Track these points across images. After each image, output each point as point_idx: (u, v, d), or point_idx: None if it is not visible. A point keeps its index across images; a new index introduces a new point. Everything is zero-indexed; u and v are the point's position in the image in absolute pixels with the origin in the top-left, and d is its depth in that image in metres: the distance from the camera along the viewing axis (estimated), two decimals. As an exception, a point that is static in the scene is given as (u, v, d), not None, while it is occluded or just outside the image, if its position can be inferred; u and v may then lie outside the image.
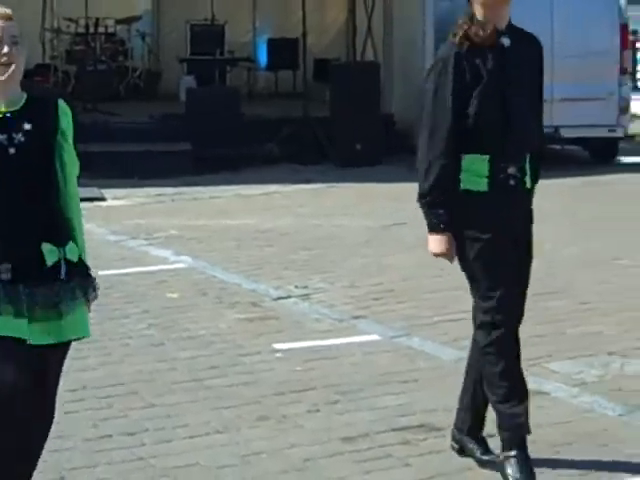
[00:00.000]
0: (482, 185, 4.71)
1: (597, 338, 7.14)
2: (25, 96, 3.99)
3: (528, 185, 4.94)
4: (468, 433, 5.03)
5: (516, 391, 4.77)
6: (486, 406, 4.97)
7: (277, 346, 6.98)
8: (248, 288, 8.62)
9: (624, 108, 16.33)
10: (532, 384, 6.08)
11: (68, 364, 6.50)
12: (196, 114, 15.90)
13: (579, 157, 16.60)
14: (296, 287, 8.57)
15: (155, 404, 5.92)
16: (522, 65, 4.90)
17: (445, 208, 4.69)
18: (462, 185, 4.72)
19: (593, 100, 15.69)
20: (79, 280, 4.01)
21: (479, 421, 5.04)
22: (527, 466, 4.71)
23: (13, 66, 3.90)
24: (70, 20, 19.05)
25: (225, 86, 19.05)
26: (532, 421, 5.49)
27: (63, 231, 4.01)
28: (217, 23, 19.64)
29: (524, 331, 7.05)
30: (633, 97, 17.93)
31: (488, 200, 4.71)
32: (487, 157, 4.71)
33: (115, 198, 13.10)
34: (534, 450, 5.13)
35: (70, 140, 4.07)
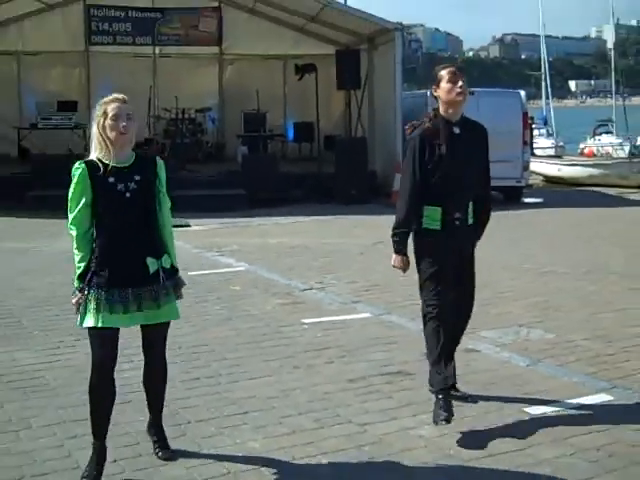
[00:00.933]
0: (437, 226, 4.71)
1: (510, 316, 7.15)
2: (134, 155, 3.98)
3: (470, 222, 4.84)
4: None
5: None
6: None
7: (304, 320, 6.98)
8: (284, 283, 8.60)
9: (526, 167, 16.44)
10: (470, 345, 6.17)
11: (170, 332, 6.58)
12: (248, 171, 15.90)
13: (496, 199, 16.60)
14: (316, 282, 8.57)
15: (227, 358, 5.93)
16: (468, 146, 4.77)
17: (406, 240, 4.73)
18: (423, 225, 4.72)
19: (506, 162, 15.73)
20: (171, 281, 3.99)
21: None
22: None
23: (128, 135, 3.91)
24: (166, 110, 19.10)
25: (267, 153, 19.07)
26: (469, 369, 5.58)
27: (160, 248, 3.98)
28: (261, 112, 19.68)
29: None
30: (531, 160, 18.00)
31: (440, 235, 4.70)
32: (439, 208, 4.69)
33: (196, 225, 13.07)
34: (470, 388, 5.15)
35: (164, 185, 4.04)
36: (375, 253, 10.05)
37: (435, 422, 4.55)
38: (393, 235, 4.77)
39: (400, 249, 4.74)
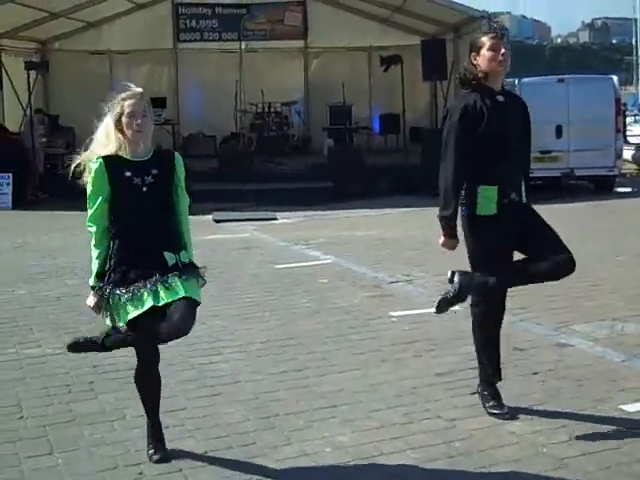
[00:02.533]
0: (492, 210, 4.38)
1: (605, 309, 6.92)
2: (153, 150, 3.94)
3: (524, 201, 4.53)
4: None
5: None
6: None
7: (392, 313, 6.93)
8: (372, 276, 8.55)
9: (619, 155, 15.88)
10: (562, 339, 6.02)
11: (258, 325, 6.65)
12: (335, 163, 15.94)
13: (588, 188, 16.18)
14: (403, 275, 8.51)
15: (314, 351, 5.92)
16: (514, 116, 4.47)
17: (453, 222, 4.44)
18: (477, 211, 4.39)
19: (597, 150, 15.32)
20: (190, 272, 3.89)
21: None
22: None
23: (144, 132, 3.86)
24: (252, 104, 19.30)
25: (353, 145, 19.05)
26: (562, 364, 5.43)
27: (178, 243, 3.93)
28: (347, 104, 19.67)
29: (556, 304, 7.03)
30: (624, 148, 17.44)
31: (496, 221, 4.39)
32: (496, 187, 4.37)
33: (283, 218, 13.16)
34: (564, 384, 5.04)
35: (182, 180, 3.97)
36: (462, 245, 9.84)
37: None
38: (440, 219, 4.44)
39: (449, 231, 4.45)
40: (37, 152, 15.64)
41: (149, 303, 3.74)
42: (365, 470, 3.97)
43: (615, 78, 16.45)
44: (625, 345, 5.87)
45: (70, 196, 15.72)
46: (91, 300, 3.92)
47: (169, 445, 4.17)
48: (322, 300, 7.50)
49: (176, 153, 4.03)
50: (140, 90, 3.92)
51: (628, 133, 28.53)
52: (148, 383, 4.07)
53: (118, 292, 3.77)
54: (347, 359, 5.70)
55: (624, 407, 4.68)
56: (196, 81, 20.30)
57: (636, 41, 40.07)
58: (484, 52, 4.36)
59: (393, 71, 16.95)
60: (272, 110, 19.67)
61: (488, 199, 4.38)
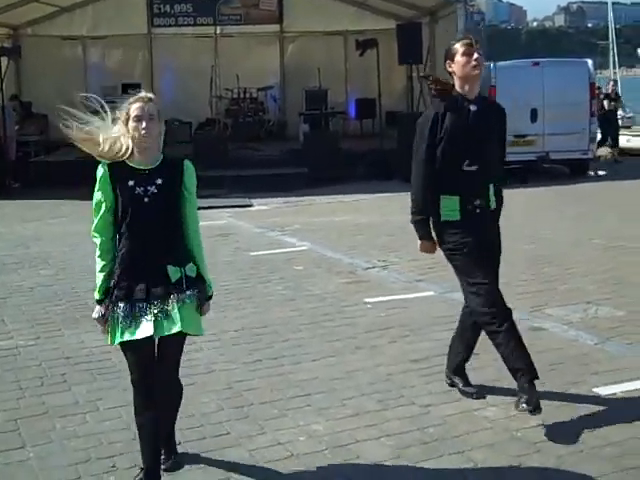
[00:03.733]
0: (456, 216, 4.42)
1: (578, 292, 6.96)
2: (161, 157, 3.72)
3: (492, 207, 4.53)
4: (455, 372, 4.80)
5: None
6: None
7: (367, 300, 6.92)
8: (347, 262, 8.54)
9: (593, 139, 15.96)
10: (535, 324, 6.04)
11: (233, 313, 6.62)
12: (310, 149, 15.87)
13: (562, 172, 16.24)
14: (378, 261, 8.51)
15: (289, 339, 5.91)
16: (487, 125, 4.44)
17: (426, 225, 4.50)
18: (442, 217, 4.44)
19: (572, 134, 15.37)
20: (195, 289, 3.68)
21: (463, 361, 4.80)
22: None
23: (150, 137, 3.65)
24: (228, 89, 19.17)
25: (328, 130, 18.94)
26: (536, 348, 5.40)
27: (183, 256, 3.69)
28: (322, 89, 19.58)
29: (530, 288, 7.06)
30: (598, 132, 17.53)
31: (461, 225, 4.41)
32: (457, 197, 4.39)
33: (259, 204, 13.11)
34: (538, 367, 5.02)
35: (192, 191, 3.73)
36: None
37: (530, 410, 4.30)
38: (413, 223, 4.54)
39: (423, 235, 4.53)
40: (9, 140, 15.43)
41: (145, 332, 3.58)
42: (340, 458, 3.96)
43: (590, 62, 16.48)
44: (598, 328, 5.90)
45: (43, 185, 15.64)
46: (96, 314, 3.72)
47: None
48: (297, 287, 7.48)
49: (186, 161, 3.77)
50: (149, 95, 3.73)
51: (603, 116, 28.62)
52: (148, 419, 3.67)
53: (119, 312, 3.60)
54: (322, 346, 5.70)
55: (597, 390, 4.72)
56: (171, 66, 20.12)
57: (611, 25, 40.21)
58: (458, 58, 4.40)
59: (369, 55, 16.88)
60: (247, 95, 19.54)
61: (450, 208, 4.43)
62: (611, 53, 40.30)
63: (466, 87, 4.41)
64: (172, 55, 19.94)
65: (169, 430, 3.90)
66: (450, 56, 4.44)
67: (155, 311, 3.60)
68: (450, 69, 4.45)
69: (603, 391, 4.71)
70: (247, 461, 3.96)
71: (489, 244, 4.51)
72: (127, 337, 3.60)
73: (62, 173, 14.71)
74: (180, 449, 4.04)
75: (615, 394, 4.67)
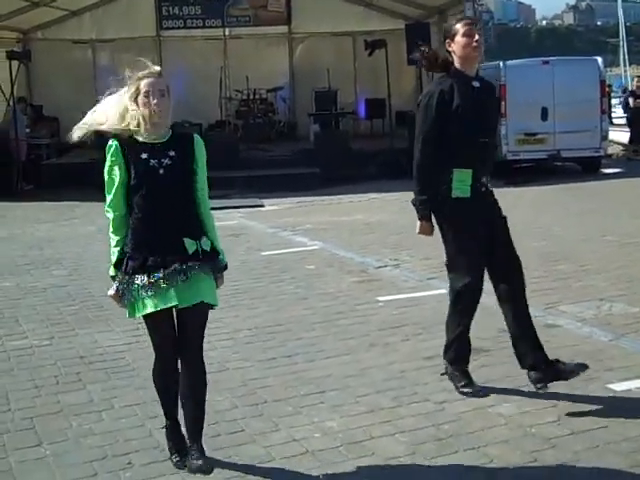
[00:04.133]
0: (467, 193, 4.44)
1: (592, 289, 6.95)
2: (171, 132, 3.74)
3: (490, 188, 4.61)
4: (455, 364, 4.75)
5: None
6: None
7: (380, 298, 6.92)
8: (359, 261, 8.55)
9: (604, 136, 15.86)
10: (550, 321, 6.03)
11: (246, 313, 6.63)
12: (321, 149, 15.92)
13: (574, 170, 16.20)
14: (390, 259, 8.50)
15: (302, 337, 5.91)
16: (487, 101, 4.56)
17: (428, 206, 4.52)
18: (453, 193, 4.44)
19: (583, 132, 15.32)
20: (211, 262, 3.73)
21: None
22: None
23: (161, 112, 3.65)
24: (237, 91, 19.22)
25: (339, 130, 18.99)
26: (550, 345, 5.40)
27: (198, 229, 3.73)
28: (332, 90, 19.60)
29: (543, 286, 7.04)
30: (610, 129, 17.47)
31: (470, 205, 4.45)
32: (471, 171, 4.43)
33: (270, 205, 13.13)
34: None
35: (203, 164, 3.77)
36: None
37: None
38: (415, 203, 4.54)
39: (425, 215, 4.54)
40: (20, 143, 15.51)
41: (170, 302, 3.60)
42: (355, 455, 3.97)
43: (600, 60, 16.43)
44: (612, 325, 5.88)
45: (55, 187, 15.72)
46: (112, 290, 3.72)
47: (156, 433, 4.15)
48: (310, 286, 7.48)
49: (196, 135, 3.81)
50: (158, 68, 3.71)
51: (613, 115, 28.64)
52: (167, 378, 3.85)
53: (138, 282, 3.60)
54: (335, 344, 5.70)
55: (612, 386, 4.70)
56: (180, 69, 20.12)
57: (621, 23, 40.07)
58: (458, 39, 4.45)
59: (378, 55, 16.89)
60: (257, 97, 19.59)
61: (462, 182, 4.45)
62: (621, 51, 40.15)
63: (466, 65, 4.49)
64: (181, 57, 19.99)
65: (200, 415, 3.82)
66: (450, 36, 4.49)
67: (175, 279, 3.59)
68: (450, 48, 4.51)
69: (618, 387, 4.68)
70: (262, 458, 3.96)
71: (494, 220, 4.56)
72: (150, 309, 3.62)
73: (74, 175, 14.79)
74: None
75: (630, 390, 4.65)
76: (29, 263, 8.95)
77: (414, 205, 4.60)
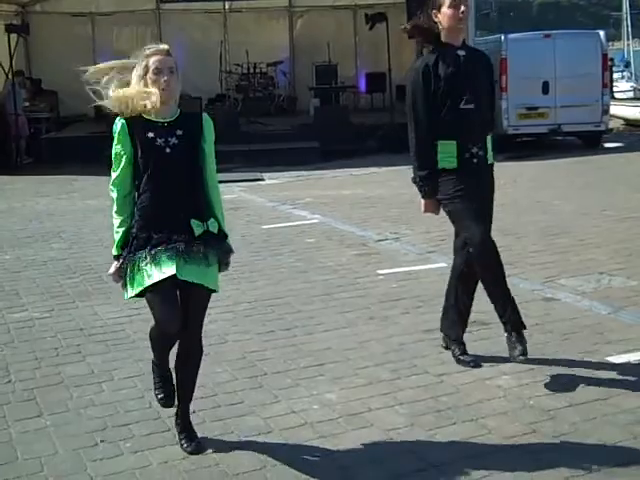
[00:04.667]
0: (453, 163, 4.45)
1: (591, 263, 6.94)
2: (179, 111, 3.69)
3: (490, 161, 4.59)
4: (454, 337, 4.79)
5: None
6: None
7: (380, 271, 6.92)
8: (359, 234, 8.53)
9: (605, 111, 15.76)
10: (549, 294, 6.04)
11: (246, 286, 6.64)
12: (321, 123, 15.82)
13: (575, 144, 16.15)
14: (390, 233, 8.49)
15: (302, 310, 5.92)
16: (475, 70, 4.54)
17: (431, 181, 4.51)
18: (439, 164, 4.47)
19: (584, 106, 15.24)
20: (218, 246, 3.68)
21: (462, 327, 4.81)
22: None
23: (170, 90, 3.61)
24: (237, 65, 19.12)
25: (339, 104, 18.91)
26: (549, 318, 5.45)
27: (206, 211, 3.67)
28: (332, 64, 19.50)
29: (542, 259, 7.05)
30: (611, 103, 17.39)
31: (458, 175, 4.45)
32: (454, 142, 4.43)
33: (270, 178, 13.11)
34: (551, 337, 5.07)
35: (211, 144, 3.71)
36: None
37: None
38: (417, 180, 4.54)
39: (428, 192, 4.54)
40: (19, 116, 15.44)
41: (169, 271, 3.51)
42: (354, 426, 3.98)
43: (602, 33, 16.31)
44: (611, 298, 5.89)
45: (55, 161, 15.69)
46: (112, 268, 3.68)
47: (155, 405, 4.16)
48: (309, 259, 7.48)
49: (205, 115, 3.75)
50: (166, 46, 3.66)
51: (615, 89, 28.54)
52: (164, 343, 3.78)
53: (138, 255, 3.54)
54: (334, 317, 5.70)
55: (610, 359, 4.71)
56: (180, 42, 19.93)
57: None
58: (445, 10, 4.48)
59: (378, 29, 16.76)
60: (257, 71, 19.48)
61: (447, 153, 4.46)
62: (624, 24, 39.85)
63: (451, 35, 4.52)
64: (181, 31, 19.85)
65: (190, 397, 3.85)
66: (437, 6, 4.52)
67: (178, 250, 3.52)
68: (436, 19, 4.54)
69: (616, 360, 4.70)
70: (262, 429, 3.97)
71: (485, 193, 4.56)
72: (148, 281, 3.54)
73: (73, 149, 14.74)
74: (194, 417, 4.01)
75: (628, 362, 4.66)
76: (29, 236, 8.95)
77: (415, 183, 4.59)
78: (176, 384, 3.84)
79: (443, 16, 4.48)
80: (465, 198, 4.45)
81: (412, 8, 16.33)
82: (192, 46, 19.65)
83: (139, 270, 3.56)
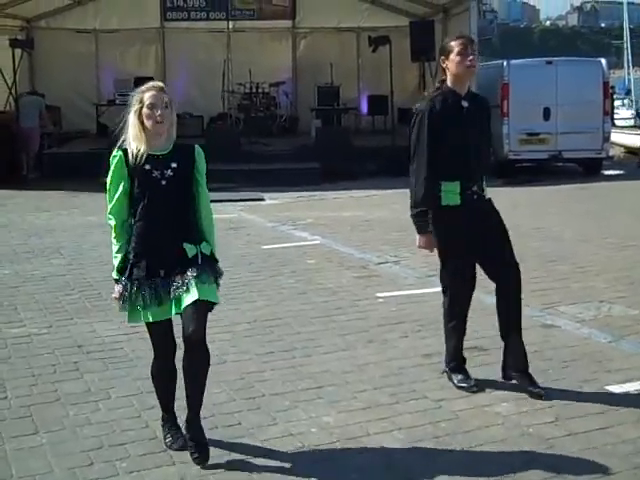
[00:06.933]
0: (457, 201, 4.56)
1: (591, 290, 6.94)
2: (173, 144, 3.85)
3: (487, 196, 4.71)
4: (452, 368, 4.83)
5: None
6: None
7: (379, 294, 6.92)
8: (359, 257, 8.53)
9: (606, 138, 15.84)
10: (548, 321, 6.02)
11: (245, 306, 6.62)
12: (322, 144, 15.86)
13: (575, 171, 16.20)
14: (391, 256, 8.49)
15: (301, 332, 5.91)
16: (476, 119, 4.64)
17: (427, 218, 4.61)
18: (442, 202, 4.57)
19: (585, 133, 15.31)
20: (209, 267, 3.83)
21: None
22: None
23: (164, 124, 3.78)
24: (240, 84, 19.16)
25: (340, 126, 18.96)
26: (548, 346, 5.43)
27: (198, 235, 3.86)
28: (334, 85, 19.56)
29: (542, 286, 7.04)
30: (612, 130, 17.47)
31: (460, 211, 4.57)
32: (457, 182, 4.55)
33: (271, 199, 13.11)
34: (550, 365, 5.05)
35: (203, 174, 3.88)
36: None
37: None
38: (414, 215, 4.66)
39: (424, 228, 4.65)
40: (34, 132, 15.55)
41: (169, 313, 3.79)
42: (351, 450, 3.96)
43: (604, 61, 16.41)
44: (611, 326, 5.88)
45: (56, 176, 15.69)
46: (116, 294, 3.85)
47: (152, 424, 4.15)
48: (309, 281, 7.47)
49: (197, 146, 3.91)
50: (161, 84, 3.88)
51: (616, 116, 28.66)
52: (164, 375, 4.00)
53: (144, 293, 3.75)
54: (334, 340, 5.69)
55: (610, 388, 4.69)
56: (183, 61, 20.12)
57: (625, 25, 39.97)
58: (453, 57, 4.56)
59: (381, 52, 16.85)
60: (260, 91, 19.52)
61: (451, 192, 4.57)
62: (626, 53, 40.09)
63: (458, 83, 4.61)
64: (185, 49, 19.95)
65: (199, 404, 3.90)
66: (445, 53, 4.61)
67: (175, 289, 3.74)
68: (444, 65, 4.62)
69: (616, 389, 4.68)
70: (259, 452, 3.95)
71: (489, 223, 4.66)
72: (151, 318, 3.81)
73: (75, 165, 14.75)
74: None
75: (628, 392, 4.64)
76: (28, 251, 8.94)
77: (412, 218, 4.71)
78: (185, 393, 3.89)
79: (451, 63, 4.57)
80: (461, 238, 4.59)
81: (415, 32, 16.48)
82: (195, 65, 19.76)
83: (137, 298, 3.78)
